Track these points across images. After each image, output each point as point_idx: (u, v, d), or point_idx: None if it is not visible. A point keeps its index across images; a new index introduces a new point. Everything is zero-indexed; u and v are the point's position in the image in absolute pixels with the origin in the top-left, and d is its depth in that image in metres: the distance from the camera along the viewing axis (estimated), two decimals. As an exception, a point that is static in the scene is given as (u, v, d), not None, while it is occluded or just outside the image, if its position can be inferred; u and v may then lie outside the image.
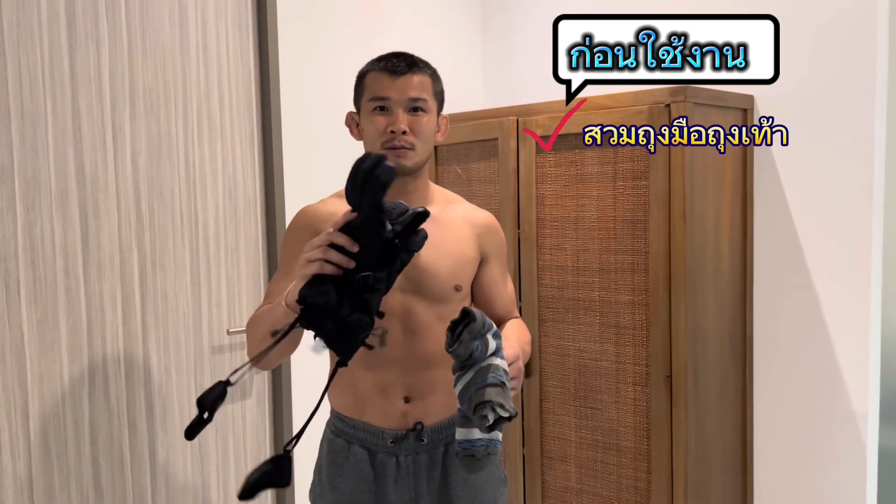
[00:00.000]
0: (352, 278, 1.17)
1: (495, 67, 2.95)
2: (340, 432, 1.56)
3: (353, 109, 1.56)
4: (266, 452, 2.29)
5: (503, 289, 1.63)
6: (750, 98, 2.30)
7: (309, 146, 2.34)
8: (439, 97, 1.54)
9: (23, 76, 1.78)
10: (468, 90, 2.92)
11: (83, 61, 1.88)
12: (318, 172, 2.32)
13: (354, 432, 1.53)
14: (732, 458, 2.32)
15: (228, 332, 2.15)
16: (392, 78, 1.47)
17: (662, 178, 2.04)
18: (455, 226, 1.57)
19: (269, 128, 2.24)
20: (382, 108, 1.47)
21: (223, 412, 2.18)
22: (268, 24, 2.23)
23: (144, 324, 2.00)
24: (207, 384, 2.14)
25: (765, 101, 2.30)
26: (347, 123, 1.57)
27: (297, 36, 2.32)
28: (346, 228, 1.18)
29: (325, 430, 1.61)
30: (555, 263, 2.29)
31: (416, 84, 1.47)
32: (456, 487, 1.53)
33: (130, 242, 1.98)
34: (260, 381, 2.28)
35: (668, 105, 2.01)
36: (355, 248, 1.17)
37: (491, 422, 1.22)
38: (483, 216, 1.62)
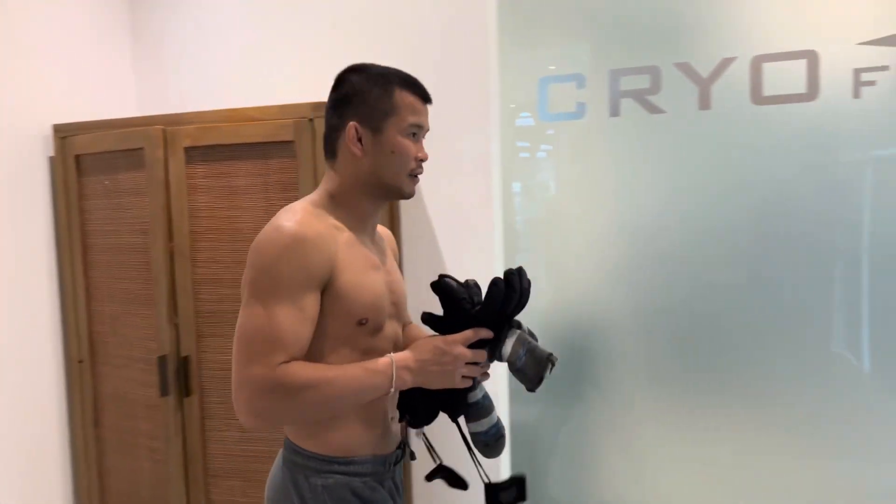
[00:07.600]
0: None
1: (149, 76, 2.80)
2: (343, 483, 1.43)
3: (353, 122, 1.41)
4: None
5: None
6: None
7: None
8: None
9: None
10: (118, 96, 2.74)
11: None
12: None
13: (360, 469, 1.45)
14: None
15: None
16: (425, 105, 1.46)
17: (311, 189, 2.10)
18: (385, 246, 1.59)
19: None
20: (415, 135, 1.44)
21: None
22: None
23: None
24: None
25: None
26: (350, 138, 1.40)
27: None
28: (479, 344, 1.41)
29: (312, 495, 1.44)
30: (211, 277, 2.24)
31: None
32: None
33: None
34: None
35: (312, 119, 2.09)
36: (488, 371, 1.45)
37: (550, 372, 1.38)
38: (386, 231, 1.67)
